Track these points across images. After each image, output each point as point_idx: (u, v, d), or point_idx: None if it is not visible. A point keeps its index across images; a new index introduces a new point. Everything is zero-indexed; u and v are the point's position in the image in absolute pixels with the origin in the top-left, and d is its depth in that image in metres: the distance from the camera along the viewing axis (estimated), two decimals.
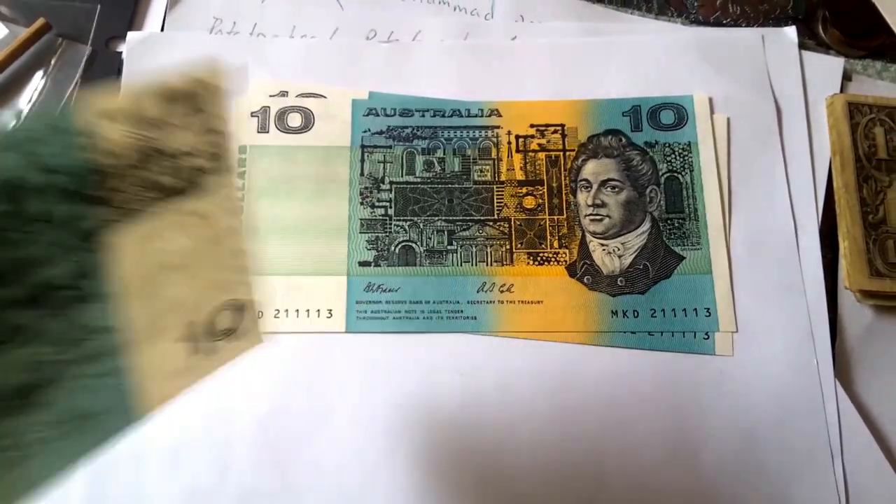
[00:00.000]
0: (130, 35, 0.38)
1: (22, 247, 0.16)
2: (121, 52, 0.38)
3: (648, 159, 0.36)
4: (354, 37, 0.39)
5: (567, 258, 0.35)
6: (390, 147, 0.36)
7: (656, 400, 0.33)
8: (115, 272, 0.18)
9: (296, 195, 0.35)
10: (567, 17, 0.40)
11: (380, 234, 0.35)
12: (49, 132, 0.16)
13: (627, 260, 0.35)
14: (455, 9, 0.40)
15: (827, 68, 0.38)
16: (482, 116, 0.37)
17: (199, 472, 0.31)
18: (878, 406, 0.33)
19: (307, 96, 0.37)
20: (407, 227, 0.35)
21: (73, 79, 0.38)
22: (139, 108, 0.18)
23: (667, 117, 0.37)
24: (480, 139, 0.37)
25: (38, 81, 0.38)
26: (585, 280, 0.34)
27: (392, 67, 0.38)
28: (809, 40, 0.39)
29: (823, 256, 0.35)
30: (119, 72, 0.37)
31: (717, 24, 0.40)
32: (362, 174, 0.36)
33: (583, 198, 0.36)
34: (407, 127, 0.37)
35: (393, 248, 0.35)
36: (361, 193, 0.36)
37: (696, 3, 0.40)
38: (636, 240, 0.35)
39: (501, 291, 0.34)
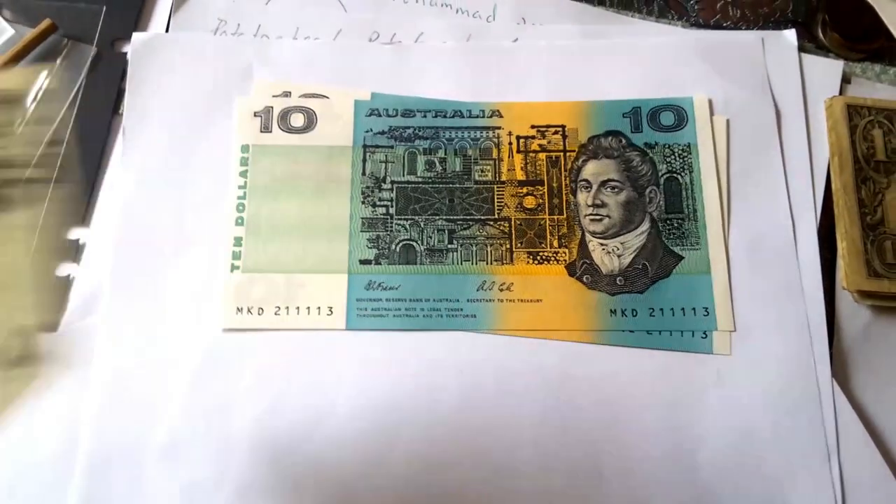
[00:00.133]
0: (135, 36, 0.38)
1: None
2: (126, 53, 0.38)
3: (648, 160, 0.36)
4: (357, 38, 0.39)
5: (567, 257, 0.35)
6: (392, 147, 0.37)
7: (654, 398, 0.33)
8: None
9: (298, 194, 0.36)
10: (568, 19, 0.40)
11: (381, 233, 0.35)
12: None
13: (627, 259, 0.35)
14: (457, 11, 0.40)
15: (826, 71, 0.39)
16: (483, 117, 0.37)
17: (198, 468, 0.32)
18: (874, 406, 0.33)
19: (310, 97, 0.37)
20: (408, 226, 0.35)
21: (78, 79, 0.38)
22: None
23: (667, 119, 0.37)
24: (482, 139, 0.37)
25: (43, 81, 0.38)
26: (585, 279, 0.35)
27: (394, 68, 0.38)
28: (809, 43, 0.40)
29: (822, 257, 0.35)
30: (124, 72, 0.38)
31: (718, 26, 0.40)
32: (364, 174, 0.36)
33: (583, 198, 0.36)
34: (409, 127, 0.37)
35: (394, 246, 0.35)
36: (363, 193, 0.36)
37: (696, 6, 0.41)
38: (635, 240, 0.35)
39: (501, 290, 0.34)
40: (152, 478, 0.31)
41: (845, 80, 0.39)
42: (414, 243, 0.35)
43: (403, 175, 0.36)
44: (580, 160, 0.36)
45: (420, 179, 0.36)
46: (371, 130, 0.37)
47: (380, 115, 0.37)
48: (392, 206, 0.36)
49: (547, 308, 0.34)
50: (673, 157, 0.36)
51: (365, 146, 0.37)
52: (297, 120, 0.37)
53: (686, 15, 0.41)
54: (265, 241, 0.35)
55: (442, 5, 0.40)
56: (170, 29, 0.39)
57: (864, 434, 0.32)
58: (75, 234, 0.35)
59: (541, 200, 0.36)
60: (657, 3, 0.41)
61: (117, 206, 0.35)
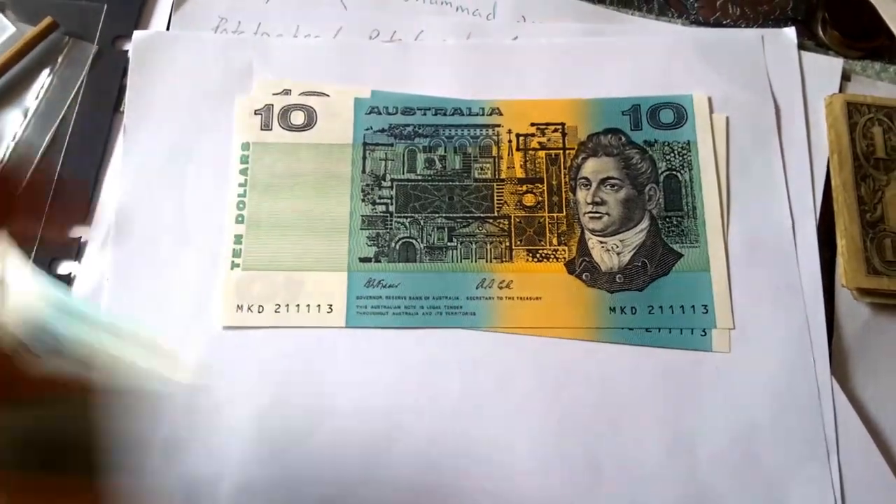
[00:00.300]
0: (136, 34, 0.38)
1: None
2: (127, 51, 0.38)
3: (648, 158, 0.36)
4: (357, 36, 0.39)
5: (566, 255, 0.35)
6: (392, 145, 0.37)
7: (653, 396, 0.33)
8: None
9: (298, 192, 0.36)
10: (568, 17, 0.40)
11: (380, 231, 0.35)
12: None
13: (626, 257, 0.35)
14: (457, 9, 0.40)
15: (826, 69, 0.39)
16: (483, 115, 0.37)
17: (198, 465, 0.32)
18: (874, 403, 0.33)
19: (310, 94, 0.37)
20: (407, 224, 0.35)
21: (79, 76, 0.38)
22: None
23: (666, 116, 0.37)
24: (481, 137, 0.37)
25: (45, 79, 0.38)
26: (584, 277, 0.35)
27: (394, 66, 0.38)
28: (809, 41, 0.40)
29: (821, 254, 0.35)
30: (125, 70, 0.38)
31: (717, 24, 0.40)
32: (364, 171, 0.36)
33: (582, 196, 0.36)
34: (409, 125, 0.37)
35: (393, 244, 0.35)
36: (363, 190, 0.36)
37: (696, 4, 0.41)
38: (635, 237, 0.35)
39: (501, 288, 0.34)
40: (153, 474, 0.32)
41: (845, 77, 0.39)
42: (414, 241, 0.35)
43: (403, 173, 0.36)
44: (580, 158, 0.37)
45: (420, 177, 0.36)
46: (371, 128, 0.37)
47: (380, 113, 0.37)
48: (392, 204, 0.36)
49: (546, 306, 0.34)
50: (672, 154, 0.36)
51: (365, 144, 0.37)
52: (298, 118, 0.37)
53: (686, 13, 0.41)
54: (265, 238, 0.35)
55: (442, 3, 0.40)
56: (171, 27, 0.39)
57: (863, 431, 0.32)
58: (76, 231, 0.36)
59: (540, 198, 0.36)
60: (657, 1, 0.41)
61: (118, 203, 0.36)
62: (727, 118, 0.37)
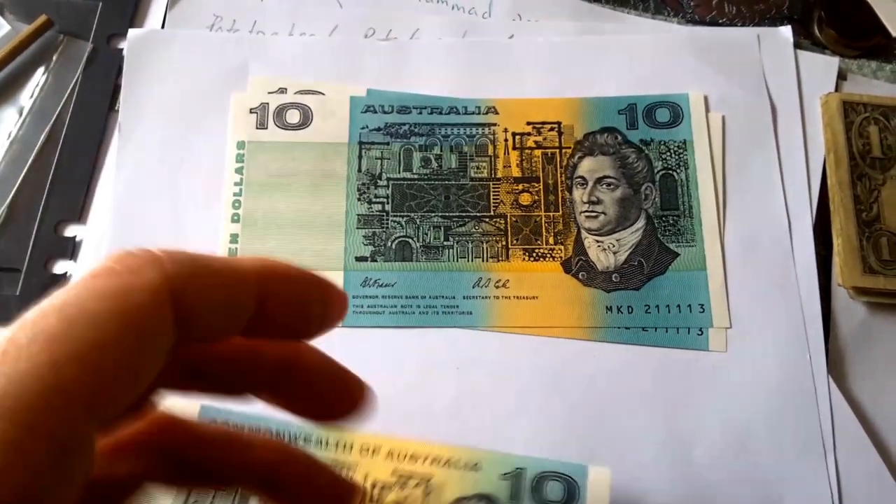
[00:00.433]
0: (131, 32, 0.38)
1: None
2: (122, 49, 0.38)
3: (644, 157, 0.36)
4: (353, 35, 0.39)
5: (562, 254, 0.35)
6: (388, 144, 0.37)
7: (650, 395, 0.33)
8: None
9: (294, 191, 0.36)
10: (564, 16, 0.40)
11: (377, 230, 0.35)
12: None
13: (622, 256, 0.35)
14: (453, 7, 0.40)
15: (822, 67, 0.39)
16: (479, 114, 0.37)
17: None
18: (870, 402, 0.33)
19: (306, 93, 0.37)
20: (404, 223, 0.35)
21: (74, 75, 0.38)
22: None
23: (662, 115, 0.37)
24: (477, 136, 0.37)
25: (39, 77, 0.38)
26: (580, 276, 0.35)
27: (390, 65, 0.38)
28: (805, 40, 0.40)
29: (817, 253, 0.35)
30: (120, 68, 0.38)
31: (714, 23, 0.40)
32: (360, 170, 0.36)
33: (578, 195, 0.36)
34: (404, 124, 0.37)
35: (389, 243, 0.35)
36: (359, 189, 0.36)
37: (692, 3, 0.41)
38: (631, 236, 0.35)
39: (497, 287, 0.34)
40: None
41: (841, 76, 0.39)
42: (410, 240, 0.35)
43: (399, 172, 0.36)
44: (576, 157, 0.36)
45: (416, 176, 0.36)
46: (367, 127, 0.37)
47: (375, 112, 0.37)
48: (388, 203, 0.36)
49: (543, 305, 0.34)
50: (668, 153, 0.36)
51: (361, 143, 0.37)
52: (293, 116, 0.37)
53: (682, 12, 0.41)
54: (261, 237, 0.35)
55: (438, 1, 0.40)
56: (166, 25, 0.39)
57: (859, 430, 0.32)
58: (72, 230, 0.35)
59: (536, 197, 0.36)
60: (653, 0, 0.41)
61: (113, 202, 0.35)
62: (723, 117, 0.37)
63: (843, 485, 0.32)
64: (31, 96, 0.38)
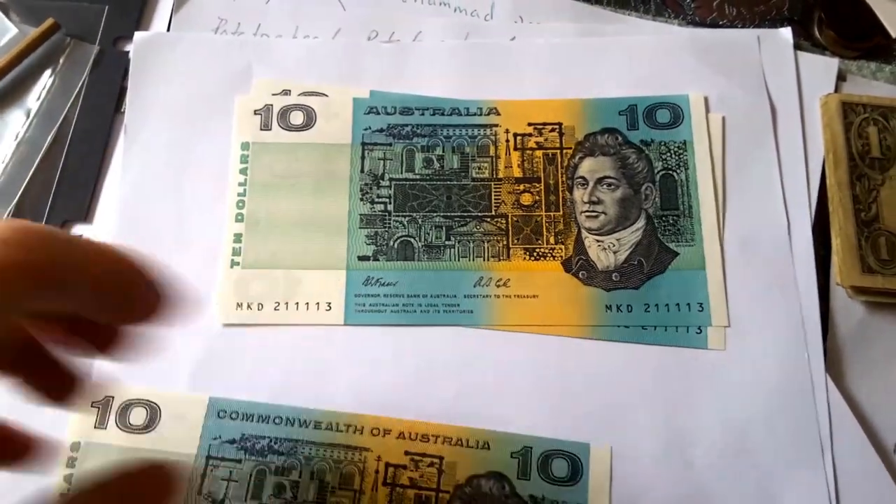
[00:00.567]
0: (137, 35, 0.39)
1: None
2: (128, 52, 0.39)
3: (644, 157, 0.37)
4: (356, 37, 0.40)
5: (563, 254, 0.35)
6: (390, 144, 0.37)
7: (649, 393, 0.33)
8: None
9: (297, 191, 0.36)
10: (565, 18, 0.40)
11: (379, 230, 0.36)
12: None
13: (622, 256, 0.35)
14: (455, 10, 0.41)
15: (822, 69, 0.39)
16: (481, 115, 0.38)
17: None
18: (868, 401, 0.34)
19: (309, 95, 0.38)
20: (406, 223, 0.36)
21: (81, 77, 0.39)
22: None
23: (662, 116, 0.37)
24: (479, 137, 0.37)
25: (46, 80, 0.39)
26: (581, 275, 0.35)
27: (393, 67, 0.39)
28: (805, 41, 0.40)
29: (816, 253, 0.35)
30: (126, 71, 0.38)
31: (714, 25, 0.41)
32: (363, 171, 0.37)
33: (579, 195, 0.36)
34: (407, 125, 0.37)
35: (392, 243, 0.35)
36: (361, 190, 0.36)
37: (692, 5, 0.41)
38: (631, 236, 0.36)
39: (498, 286, 0.35)
40: None
41: (841, 77, 0.39)
42: (412, 240, 0.36)
43: (401, 172, 0.37)
44: (577, 157, 0.37)
45: (418, 177, 0.37)
46: (370, 128, 0.37)
47: (378, 113, 0.37)
48: (390, 203, 0.36)
49: (543, 304, 0.34)
50: (669, 154, 0.37)
51: (363, 144, 0.37)
52: (297, 118, 0.37)
53: (683, 13, 0.41)
54: (265, 237, 0.35)
55: (440, 4, 0.41)
56: (171, 28, 0.40)
57: (857, 428, 0.33)
58: (78, 230, 0.36)
59: (537, 197, 0.36)
60: (654, 2, 0.41)
61: (119, 202, 0.36)
62: (723, 118, 0.37)
63: (841, 482, 0.32)
64: (39, 98, 0.38)
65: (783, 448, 0.32)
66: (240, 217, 0.36)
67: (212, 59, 0.38)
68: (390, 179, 0.36)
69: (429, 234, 0.36)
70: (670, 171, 0.36)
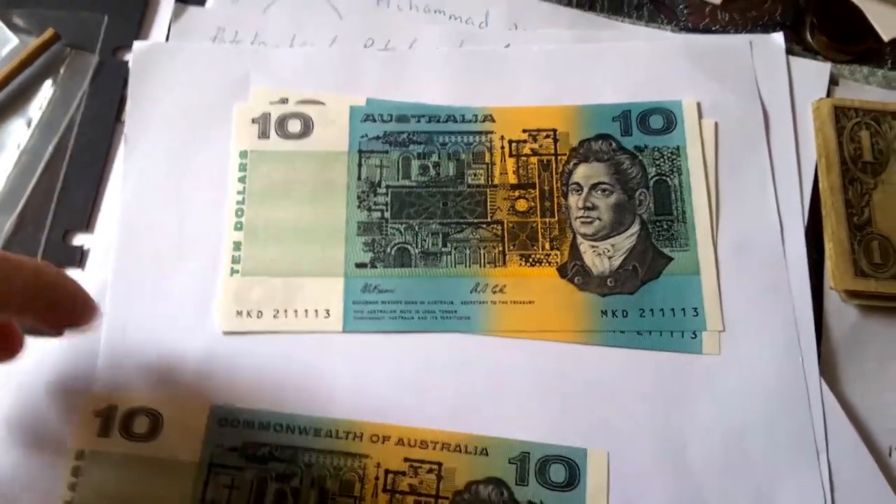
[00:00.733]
0: (136, 44, 0.39)
1: None
2: (127, 61, 0.39)
3: (638, 163, 0.37)
4: (352, 45, 0.40)
5: (558, 259, 0.36)
6: (387, 152, 0.37)
7: (644, 397, 0.33)
8: None
9: (295, 199, 0.36)
10: (559, 24, 0.41)
11: (376, 237, 0.36)
12: None
13: (617, 261, 0.36)
14: (450, 17, 0.41)
15: (814, 73, 0.39)
16: (476, 122, 0.38)
17: None
18: (862, 404, 0.34)
19: (306, 103, 0.38)
20: (402, 230, 0.36)
21: (81, 87, 0.39)
22: None
23: (656, 122, 0.38)
24: (474, 144, 0.38)
25: (47, 90, 0.39)
26: (576, 281, 0.35)
27: (389, 74, 0.39)
28: (797, 46, 0.40)
29: (809, 257, 0.36)
30: (125, 80, 0.39)
31: (707, 30, 0.41)
32: (359, 178, 0.37)
33: (574, 201, 0.37)
34: (403, 132, 0.38)
35: (389, 250, 0.36)
36: (358, 197, 0.37)
37: (685, 11, 0.41)
38: (625, 241, 0.36)
39: (494, 292, 0.35)
40: None
41: (833, 82, 0.39)
42: (409, 246, 0.36)
43: (398, 179, 0.37)
44: (571, 163, 0.37)
45: (414, 184, 0.37)
46: (366, 136, 0.38)
47: (375, 121, 0.38)
48: (387, 210, 0.36)
49: (539, 309, 0.35)
50: (662, 159, 0.37)
51: (360, 151, 0.37)
52: (294, 126, 0.38)
53: (675, 19, 0.41)
54: (263, 245, 0.36)
55: (435, 12, 0.41)
56: (170, 38, 0.40)
57: (852, 432, 0.33)
58: (79, 239, 0.36)
59: (533, 203, 0.37)
60: (647, 8, 0.41)
61: (120, 211, 0.36)
62: (716, 123, 0.38)
63: (836, 486, 0.32)
64: (40, 108, 0.39)
65: (779, 451, 0.33)
66: (239, 225, 0.36)
67: (210, 68, 0.39)
68: (387, 187, 0.37)
69: (425, 240, 0.36)
70: (664, 177, 0.37)
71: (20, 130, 0.38)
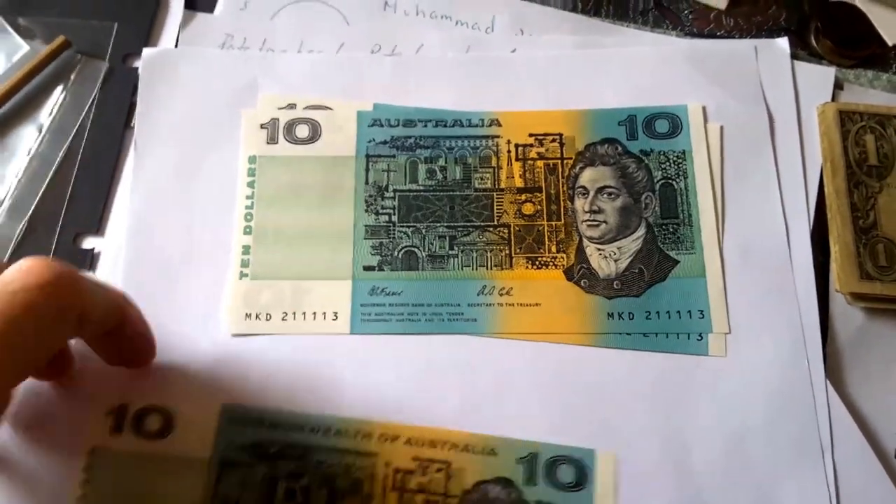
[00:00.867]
0: (146, 51, 0.40)
1: None
2: (137, 68, 0.40)
3: (644, 167, 0.37)
4: (360, 51, 0.40)
5: (564, 262, 0.36)
6: (394, 156, 0.38)
7: (650, 399, 0.33)
8: None
9: (303, 203, 0.37)
10: (565, 30, 0.41)
11: (384, 240, 0.36)
12: None
13: (623, 264, 0.36)
14: (457, 23, 0.41)
15: (819, 78, 0.39)
16: (483, 126, 0.38)
17: None
18: (868, 406, 0.34)
19: (314, 108, 0.39)
20: (410, 233, 0.36)
21: (91, 93, 0.39)
22: None
23: (661, 126, 0.38)
24: (481, 148, 0.38)
25: (58, 96, 0.39)
26: (582, 283, 0.35)
27: (396, 80, 0.39)
28: (802, 50, 0.41)
29: (815, 260, 0.36)
30: (135, 87, 0.39)
31: (711, 35, 0.41)
32: (367, 183, 0.37)
33: (580, 204, 0.37)
34: (410, 137, 0.38)
35: (396, 253, 0.36)
36: (366, 201, 0.37)
37: (690, 16, 0.42)
38: (632, 244, 0.36)
39: (501, 294, 0.35)
40: None
41: (838, 86, 0.40)
42: (416, 250, 0.36)
43: (405, 183, 0.37)
44: (577, 167, 0.37)
45: (421, 187, 0.37)
46: (373, 140, 0.38)
47: (382, 126, 0.38)
48: (394, 214, 0.37)
49: (545, 312, 0.35)
50: (668, 163, 0.37)
51: (368, 156, 0.38)
52: (302, 131, 0.38)
53: (681, 24, 0.41)
54: (272, 249, 0.36)
55: (442, 17, 0.41)
56: (179, 44, 0.41)
57: (857, 434, 0.33)
58: (90, 243, 0.37)
59: (539, 207, 0.37)
60: (652, 14, 0.42)
61: (129, 215, 0.37)
62: (721, 127, 0.38)
63: (841, 488, 0.32)
64: (50, 114, 0.39)
65: (784, 453, 0.33)
66: (248, 229, 0.36)
67: (219, 75, 0.39)
68: (394, 191, 0.37)
69: (432, 244, 0.36)
70: (670, 181, 0.37)
71: (31, 136, 0.39)
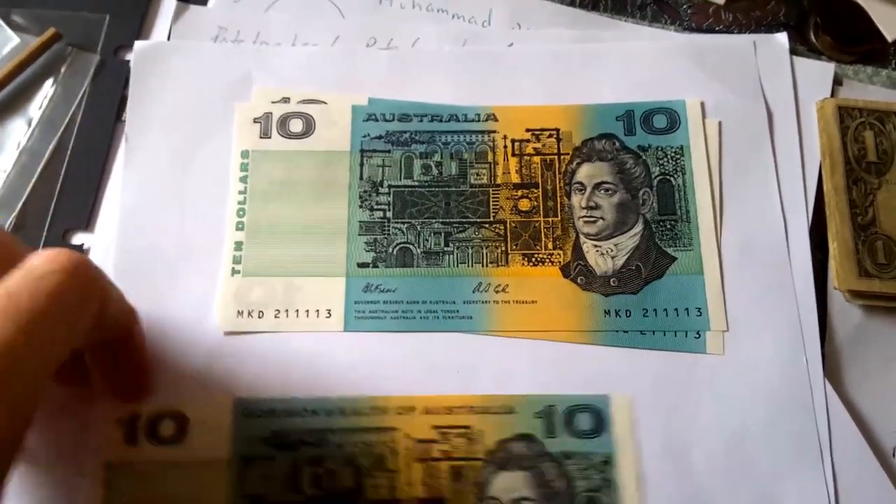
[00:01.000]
0: (138, 44, 0.39)
1: None
2: (128, 61, 0.39)
3: (641, 162, 0.37)
4: (354, 44, 0.40)
5: (561, 259, 0.35)
6: (389, 151, 0.37)
7: (647, 397, 0.33)
8: None
9: (297, 198, 0.36)
10: (562, 24, 0.41)
11: (378, 237, 0.36)
12: None
13: (620, 261, 0.35)
14: (453, 17, 0.41)
15: (818, 73, 0.39)
16: (479, 121, 0.38)
17: None
18: (866, 404, 0.34)
19: (308, 102, 0.38)
20: (405, 230, 0.36)
21: (82, 86, 0.39)
22: None
23: (659, 121, 0.38)
24: (477, 143, 0.37)
25: (48, 88, 0.39)
26: (579, 280, 0.35)
27: (391, 74, 0.39)
28: (801, 46, 0.40)
29: (813, 257, 0.35)
30: (127, 79, 0.39)
31: (710, 30, 0.41)
32: (361, 178, 0.37)
33: (577, 200, 0.36)
34: (405, 132, 0.38)
35: (391, 249, 0.36)
36: (360, 197, 0.36)
37: (689, 11, 0.41)
38: (629, 241, 0.36)
39: (497, 292, 0.35)
40: None
41: (837, 82, 0.39)
42: (411, 246, 0.36)
43: (400, 179, 0.37)
44: (574, 163, 0.37)
45: (416, 183, 0.37)
46: (368, 135, 0.37)
47: (377, 120, 0.38)
48: (389, 210, 0.36)
49: (542, 309, 0.35)
50: (666, 159, 0.37)
51: (362, 151, 0.37)
52: (296, 125, 0.38)
53: (679, 19, 0.41)
54: (265, 245, 0.36)
55: (438, 11, 0.41)
56: (171, 37, 0.40)
57: (856, 432, 0.33)
58: (79, 238, 0.36)
59: (535, 203, 0.36)
60: (650, 8, 0.41)
61: (120, 210, 0.36)
62: (720, 123, 0.37)
63: (840, 486, 0.32)
64: (40, 107, 0.39)
65: (782, 452, 0.32)
66: (240, 225, 0.36)
67: (211, 68, 0.39)
68: (389, 186, 0.37)
69: (427, 240, 0.36)
70: (667, 177, 0.37)
71: (20, 129, 0.38)
